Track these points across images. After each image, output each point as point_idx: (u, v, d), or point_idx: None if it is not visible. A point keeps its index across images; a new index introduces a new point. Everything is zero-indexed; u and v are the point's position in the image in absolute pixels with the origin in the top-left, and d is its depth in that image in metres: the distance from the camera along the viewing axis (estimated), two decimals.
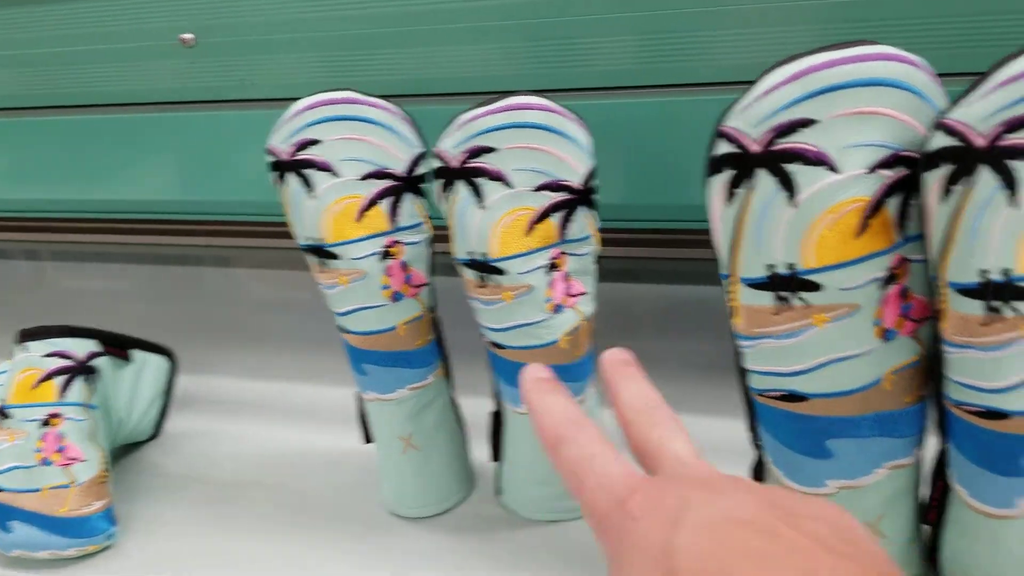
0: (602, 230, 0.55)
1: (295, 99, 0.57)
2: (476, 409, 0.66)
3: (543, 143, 0.49)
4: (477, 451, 0.66)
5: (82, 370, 0.67)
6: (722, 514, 0.28)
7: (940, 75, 0.42)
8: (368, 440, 0.63)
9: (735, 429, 0.67)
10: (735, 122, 0.42)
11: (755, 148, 0.41)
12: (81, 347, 0.68)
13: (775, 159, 0.41)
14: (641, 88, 0.63)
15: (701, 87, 0.62)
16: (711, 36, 0.60)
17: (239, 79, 0.74)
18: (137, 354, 0.74)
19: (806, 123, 0.41)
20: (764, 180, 0.41)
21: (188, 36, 0.73)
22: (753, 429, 0.49)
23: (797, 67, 0.40)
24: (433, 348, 0.60)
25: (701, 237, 0.96)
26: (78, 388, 0.66)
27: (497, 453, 0.61)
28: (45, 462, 0.64)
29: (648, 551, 0.28)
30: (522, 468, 0.59)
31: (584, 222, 0.52)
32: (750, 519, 0.27)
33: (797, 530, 0.27)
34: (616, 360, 0.37)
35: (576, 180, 0.51)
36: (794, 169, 0.41)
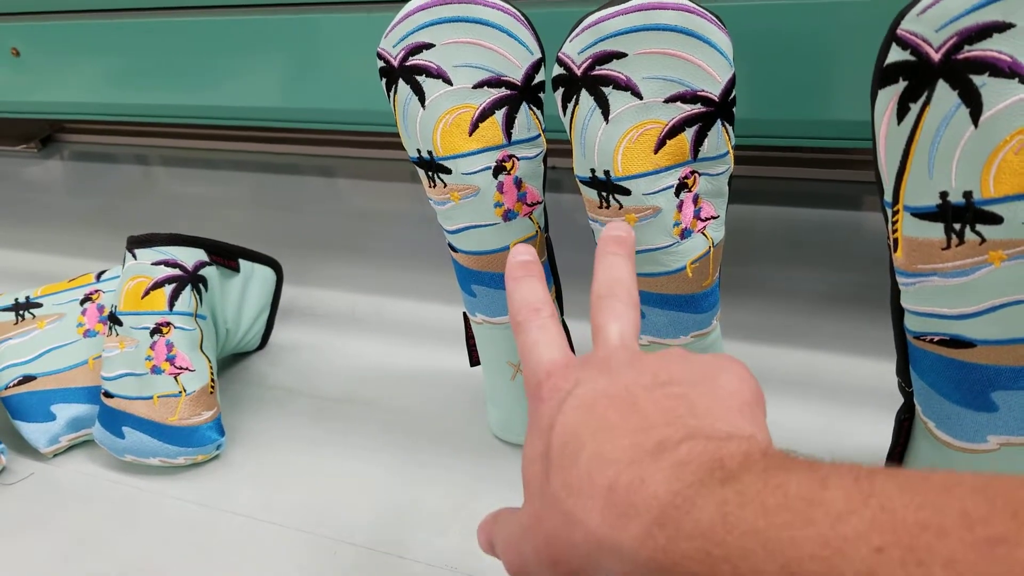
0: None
1: (405, 0, 0.53)
2: (587, 336, 0.63)
3: (679, 48, 0.44)
4: None
5: (191, 279, 0.66)
6: (597, 392, 0.31)
7: None
8: (475, 363, 0.61)
9: (870, 370, 0.62)
10: (914, 26, 0.36)
11: (936, 57, 0.35)
12: (189, 256, 0.67)
13: (959, 69, 0.35)
14: None
15: None
16: None
17: None
18: (244, 264, 0.73)
19: (999, 27, 0.34)
20: (944, 94, 0.36)
21: None
22: (903, 373, 0.45)
23: None
24: (545, 270, 0.57)
25: (832, 156, 0.89)
26: (187, 297, 0.66)
27: None
28: (156, 370, 0.64)
29: (541, 428, 0.32)
30: None
31: (720, 138, 0.47)
32: (617, 393, 0.30)
33: (655, 402, 0.29)
34: (610, 236, 0.38)
35: (714, 91, 0.45)
36: (982, 82, 0.35)
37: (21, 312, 0.71)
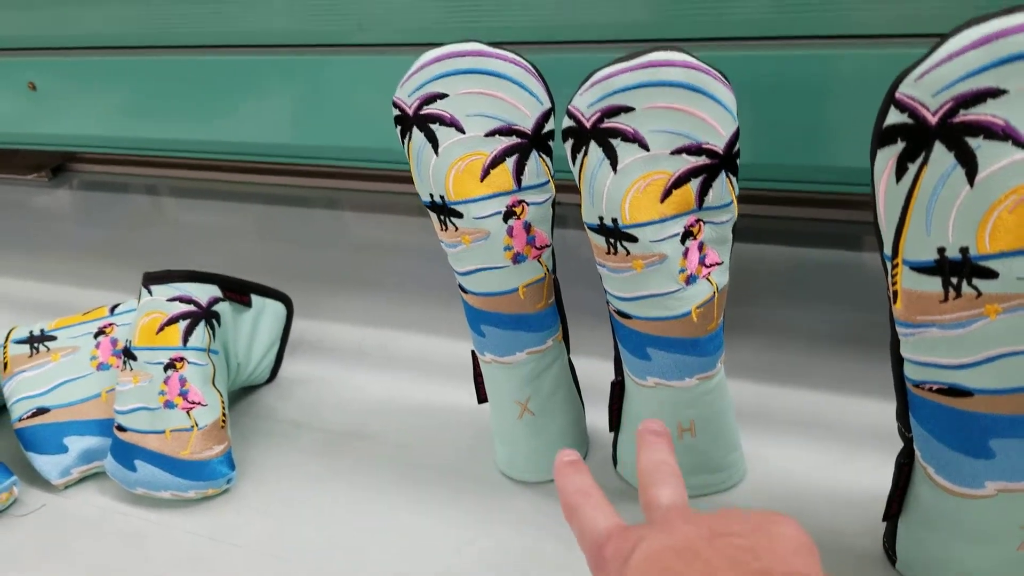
0: None
1: (410, 45, 0.54)
2: (592, 372, 0.65)
3: (685, 103, 0.46)
4: (591, 417, 0.64)
5: (204, 315, 0.68)
6: (661, 545, 0.34)
7: None
8: (482, 400, 0.62)
9: (871, 410, 0.63)
10: (911, 90, 0.37)
11: (933, 120, 0.37)
12: (203, 292, 0.69)
13: (955, 132, 0.37)
14: (780, 39, 0.59)
15: (848, 40, 0.56)
16: None
17: (354, 22, 0.72)
18: (256, 299, 0.75)
19: (993, 93, 0.36)
20: (941, 155, 0.37)
21: None
22: (903, 419, 0.46)
23: (986, 30, 0.36)
24: (552, 311, 0.58)
25: (832, 197, 0.91)
26: (200, 333, 0.67)
27: (616, 423, 0.59)
28: (168, 405, 0.65)
29: None
30: None
31: (724, 189, 0.49)
32: (681, 546, 0.33)
33: (717, 550, 0.32)
34: (649, 430, 0.43)
35: (719, 144, 0.47)
36: (977, 144, 0.37)
37: (36, 345, 0.72)
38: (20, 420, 0.69)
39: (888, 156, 0.39)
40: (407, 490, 0.63)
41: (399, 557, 0.58)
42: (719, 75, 0.46)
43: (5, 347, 0.72)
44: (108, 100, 0.91)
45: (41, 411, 0.69)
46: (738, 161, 0.48)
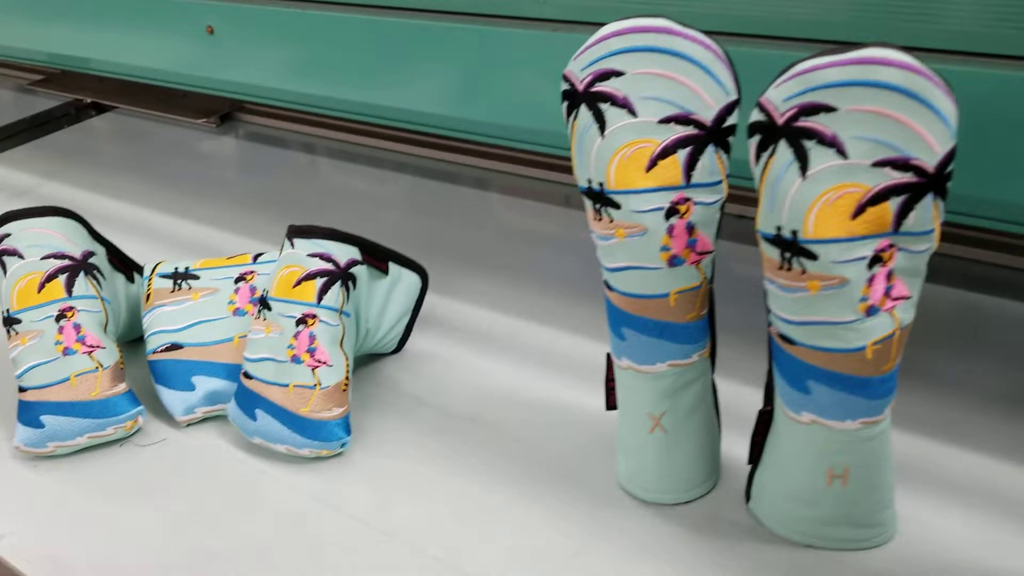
0: None
1: (588, 23, 0.51)
2: (734, 396, 0.60)
3: (897, 109, 0.40)
4: (727, 444, 0.59)
5: (341, 276, 0.66)
6: None
7: None
8: (611, 407, 0.58)
9: None
10: None
11: None
12: (343, 252, 0.67)
13: None
14: (994, 57, 0.52)
15: None
16: None
17: None
18: (393, 268, 0.73)
19: None
20: None
21: None
22: None
23: None
24: (703, 325, 0.53)
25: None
26: (335, 293, 0.66)
27: (756, 456, 0.54)
28: (295, 360, 0.64)
29: None
30: (785, 480, 0.52)
31: (928, 213, 0.42)
32: None
33: None
34: None
35: (930, 161, 0.41)
36: None
37: (179, 281, 0.73)
38: (154, 352, 0.70)
39: None
40: (517, 487, 0.60)
41: (501, 555, 0.55)
42: (943, 83, 0.40)
43: (151, 280, 0.74)
44: (281, 52, 0.92)
45: (175, 347, 0.70)
46: (949, 184, 0.42)
